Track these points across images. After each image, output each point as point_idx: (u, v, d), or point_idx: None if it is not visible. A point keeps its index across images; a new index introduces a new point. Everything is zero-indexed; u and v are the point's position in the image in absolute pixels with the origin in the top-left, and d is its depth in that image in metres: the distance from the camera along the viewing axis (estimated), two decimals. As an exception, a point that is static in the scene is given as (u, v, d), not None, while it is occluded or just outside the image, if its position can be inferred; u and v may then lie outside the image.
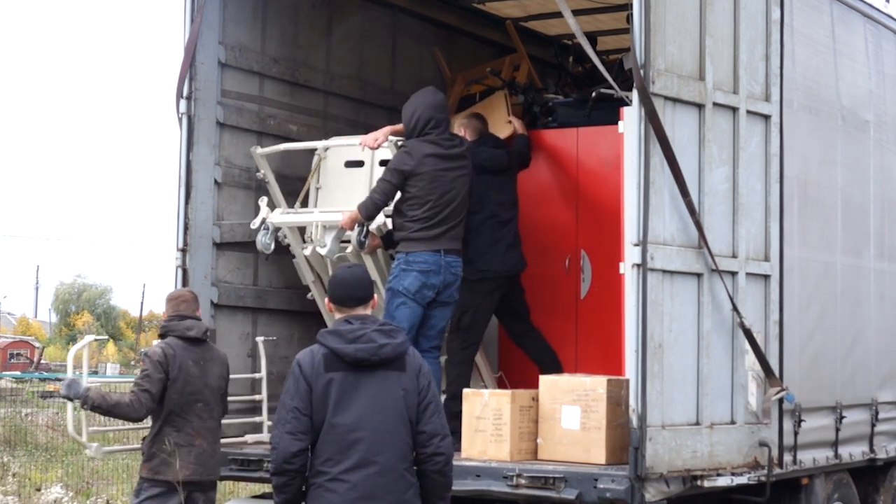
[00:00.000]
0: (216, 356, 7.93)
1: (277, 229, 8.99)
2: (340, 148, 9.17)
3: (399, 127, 8.69)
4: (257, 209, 9.00)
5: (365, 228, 8.55)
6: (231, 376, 8.08)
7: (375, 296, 6.02)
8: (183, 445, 7.61)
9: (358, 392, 5.67)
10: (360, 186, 8.96)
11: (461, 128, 9.07)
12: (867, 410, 9.46)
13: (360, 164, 9.11)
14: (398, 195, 8.44)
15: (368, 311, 5.87)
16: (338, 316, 5.87)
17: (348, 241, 8.73)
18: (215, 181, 8.91)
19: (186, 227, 8.70)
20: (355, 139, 8.84)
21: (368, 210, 8.41)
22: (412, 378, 5.77)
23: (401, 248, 8.42)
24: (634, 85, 7.14)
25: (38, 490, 15.27)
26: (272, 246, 8.97)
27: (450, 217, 8.41)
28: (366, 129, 9.93)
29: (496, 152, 9.08)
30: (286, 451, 5.64)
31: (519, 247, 9.02)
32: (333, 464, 5.63)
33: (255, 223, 8.94)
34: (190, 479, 7.61)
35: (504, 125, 9.55)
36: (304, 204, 9.21)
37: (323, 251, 8.77)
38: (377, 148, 8.70)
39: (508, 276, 8.95)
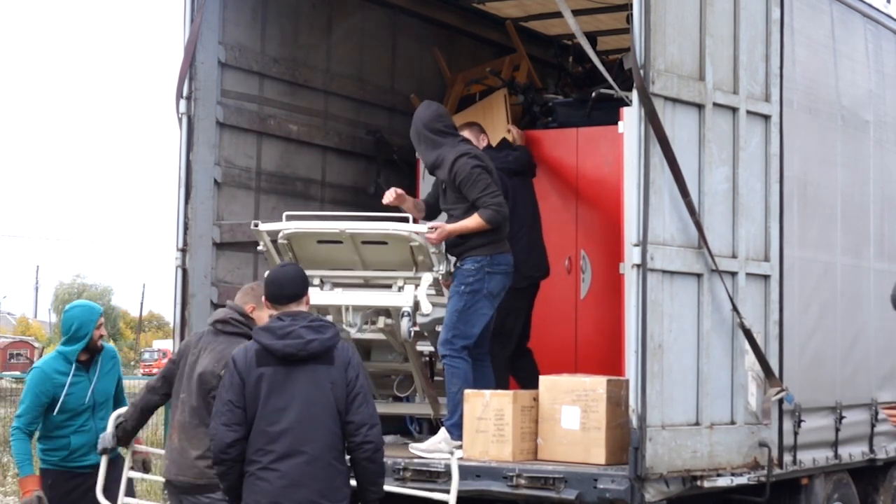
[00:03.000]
0: (217, 349, 6.86)
1: None
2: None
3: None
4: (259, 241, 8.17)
5: (412, 319, 7.91)
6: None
7: (309, 293, 6.20)
8: (168, 440, 7.02)
9: (287, 386, 5.92)
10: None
11: (477, 137, 8.75)
12: (867, 410, 9.45)
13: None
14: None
15: (302, 308, 6.11)
16: (272, 313, 6.13)
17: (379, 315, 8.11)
18: (215, 181, 8.90)
19: (186, 227, 8.69)
20: (403, 226, 7.93)
21: (503, 214, 7.90)
22: (340, 371, 5.98)
23: (480, 252, 7.92)
24: (634, 85, 7.14)
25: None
26: None
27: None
28: (366, 129, 9.98)
29: (518, 154, 9.08)
30: (222, 441, 5.91)
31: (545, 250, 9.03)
32: (263, 454, 5.87)
33: None
34: (167, 478, 6.91)
35: (503, 133, 9.50)
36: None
37: (352, 331, 8.06)
38: (440, 241, 7.95)
39: (539, 281, 8.97)
